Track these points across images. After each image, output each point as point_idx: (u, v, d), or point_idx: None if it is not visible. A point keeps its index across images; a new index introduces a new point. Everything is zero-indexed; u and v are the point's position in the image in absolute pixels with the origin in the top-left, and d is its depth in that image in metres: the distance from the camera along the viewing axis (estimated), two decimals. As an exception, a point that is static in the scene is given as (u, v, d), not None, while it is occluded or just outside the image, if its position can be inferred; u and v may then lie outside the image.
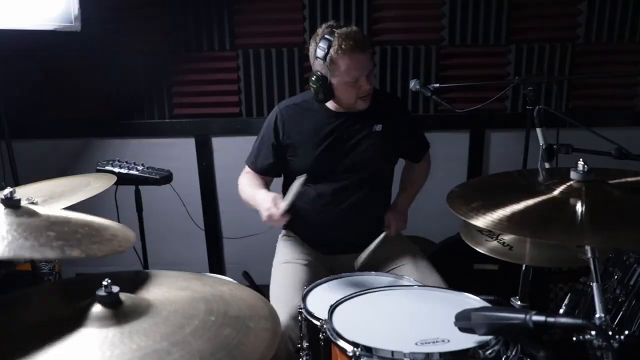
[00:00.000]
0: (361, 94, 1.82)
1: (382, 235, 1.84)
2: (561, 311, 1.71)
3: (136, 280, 1.18)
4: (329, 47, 1.74)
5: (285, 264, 1.94)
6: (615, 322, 1.63)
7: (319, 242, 1.99)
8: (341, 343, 1.25)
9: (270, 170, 2.01)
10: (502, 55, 2.70)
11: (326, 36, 1.76)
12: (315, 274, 1.88)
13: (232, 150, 2.80)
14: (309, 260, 1.95)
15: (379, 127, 1.92)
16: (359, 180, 1.91)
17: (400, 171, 2.16)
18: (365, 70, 1.78)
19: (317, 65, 1.82)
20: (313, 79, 1.82)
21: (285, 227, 2.08)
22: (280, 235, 2.12)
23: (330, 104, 1.92)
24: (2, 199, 1.04)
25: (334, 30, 1.76)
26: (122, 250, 1.05)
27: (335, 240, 1.87)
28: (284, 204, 1.71)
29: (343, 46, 1.72)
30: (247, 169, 2.05)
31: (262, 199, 1.78)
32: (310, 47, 1.85)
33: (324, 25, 1.82)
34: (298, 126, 1.91)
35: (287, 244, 2.04)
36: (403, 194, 2.05)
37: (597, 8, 2.62)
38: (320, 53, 1.77)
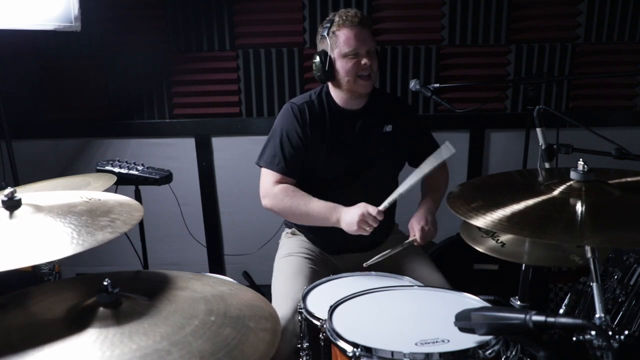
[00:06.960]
0: (361, 71, 1.81)
1: (407, 241, 1.76)
2: (561, 311, 1.71)
3: (136, 280, 1.18)
4: (331, 24, 1.83)
5: (289, 256, 1.93)
6: (615, 322, 1.63)
7: (323, 241, 1.98)
8: (341, 343, 1.24)
9: (301, 171, 1.88)
10: (502, 55, 2.70)
11: (329, 17, 1.86)
12: (319, 268, 1.88)
13: (232, 150, 2.80)
14: (313, 255, 1.94)
15: (389, 128, 1.92)
16: (366, 180, 1.90)
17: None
18: (364, 45, 1.80)
19: (321, 45, 1.88)
20: (316, 58, 1.85)
21: (289, 225, 2.07)
22: (283, 233, 2.11)
23: (338, 99, 1.90)
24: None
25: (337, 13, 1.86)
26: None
27: (340, 240, 1.86)
28: (386, 202, 1.70)
29: (344, 18, 1.81)
30: (272, 178, 1.85)
31: (345, 207, 1.75)
32: (317, 39, 1.90)
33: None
34: (312, 124, 1.87)
35: (291, 240, 2.02)
36: (426, 200, 1.92)
37: (597, 8, 2.62)
38: (324, 32, 1.85)
